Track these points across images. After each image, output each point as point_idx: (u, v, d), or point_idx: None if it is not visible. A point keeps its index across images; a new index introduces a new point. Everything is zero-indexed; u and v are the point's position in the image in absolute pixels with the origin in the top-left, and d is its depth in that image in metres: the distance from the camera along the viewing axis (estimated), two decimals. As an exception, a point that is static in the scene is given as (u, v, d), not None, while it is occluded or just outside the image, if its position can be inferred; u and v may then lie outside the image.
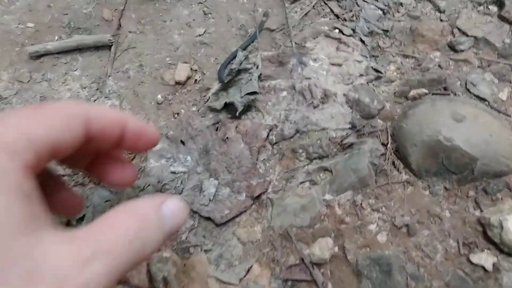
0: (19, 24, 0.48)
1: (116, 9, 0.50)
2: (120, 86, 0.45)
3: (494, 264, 0.32)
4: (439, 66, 0.45)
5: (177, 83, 0.44)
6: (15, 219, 0.14)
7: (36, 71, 0.46)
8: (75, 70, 0.46)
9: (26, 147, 0.15)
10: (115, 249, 0.14)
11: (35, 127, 0.16)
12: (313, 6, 0.50)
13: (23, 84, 0.45)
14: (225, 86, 0.41)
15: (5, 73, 0.46)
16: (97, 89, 0.45)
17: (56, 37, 0.48)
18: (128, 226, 0.15)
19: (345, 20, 0.48)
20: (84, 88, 0.45)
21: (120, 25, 0.48)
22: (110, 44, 0.46)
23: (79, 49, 0.47)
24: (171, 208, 0.18)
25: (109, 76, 0.46)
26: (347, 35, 0.46)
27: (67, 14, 0.49)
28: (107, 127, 0.18)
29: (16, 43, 0.47)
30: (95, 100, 0.44)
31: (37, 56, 0.46)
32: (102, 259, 0.14)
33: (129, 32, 0.48)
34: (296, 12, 0.50)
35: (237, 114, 0.39)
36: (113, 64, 0.47)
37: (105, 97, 0.44)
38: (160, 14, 0.50)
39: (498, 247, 0.33)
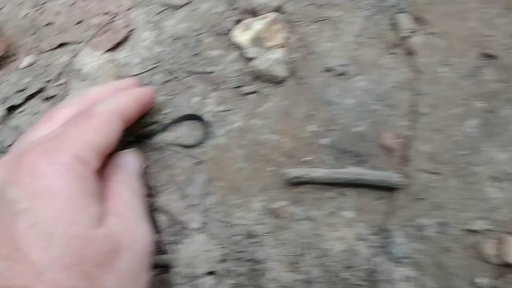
0: (271, 133, 0.59)
1: (399, 134, 0.59)
2: (415, 249, 0.52)
3: None
4: None
5: (506, 264, 0.50)
6: (93, 213, 0.37)
7: (296, 203, 0.56)
8: (346, 211, 0.55)
9: (93, 157, 0.39)
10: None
11: (93, 137, 0.39)
12: None
13: (280, 221, 0.55)
14: None
15: (257, 200, 0.56)
16: (381, 246, 0.53)
17: (316, 158, 0.57)
18: None
19: None
20: (362, 240, 0.53)
21: (407, 159, 0.58)
22: (397, 186, 0.55)
23: (351, 184, 0.56)
24: (131, 159, 0.50)
25: (395, 230, 0.54)
26: None
27: (332, 130, 0.60)
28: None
29: (269, 161, 0.58)
30: (381, 263, 0.51)
31: (297, 183, 0.56)
32: None
33: (420, 170, 0.56)
34: None
35: None
36: (397, 213, 0.55)
37: (394, 261, 0.52)
38: (464, 152, 0.58)
39: None
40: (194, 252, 0.51)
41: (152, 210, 0.53)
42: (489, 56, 0.59)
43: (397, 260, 0.51)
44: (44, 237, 0.32)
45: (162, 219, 0.54)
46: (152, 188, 0.55)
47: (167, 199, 0.54)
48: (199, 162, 0.55)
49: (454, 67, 0.61)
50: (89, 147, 0.38)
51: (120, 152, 0.47)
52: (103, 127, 0.40)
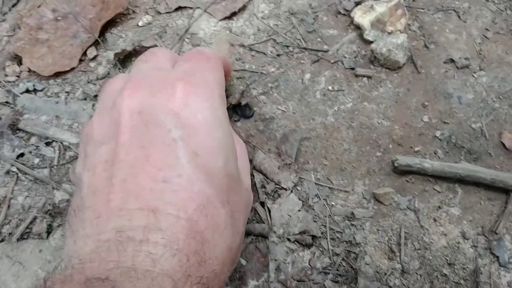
0: (383, 119, 0.62)
1: None
2: None
3: None
4: None
5: None
6: (236, 154, 0.43)
7: (401, 192, 0.58)
8: (453, 207, 0.58)
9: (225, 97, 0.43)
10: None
11: (221, 77, 0.44)
12: None
13: (382, 206, 0.58)
14: None
15: (361, 183, 0.59)
16: (486, 248, 0.55)
17: (426, 150, 0.59)
18: None
19: None
20: (467, 239, 0.55)
21: None
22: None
23: (461, 180, 0.57)
24: None
25: (505, 234, 0.55)
26: None
27: (448, 123, 0.62)
28: None
29: (378, 146, 0.61)
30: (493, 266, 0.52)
31: (404, 171, 0.59)
32: None
33: None
34: None
35: None
36: (509, 216, 0.56)
37: (500, 265, 0.54)
38: None
39: None
40: (289, 211, 0.56)
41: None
42: None
43: (504, 265, 0.53)
44: (206, 171, 0.35)
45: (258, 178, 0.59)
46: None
47: (262, 156, 0.59)
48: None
49: None
50: (222, 86, 0.42)
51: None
52: (220, 68, 0.44)
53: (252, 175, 0.57)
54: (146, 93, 0.37)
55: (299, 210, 0.55)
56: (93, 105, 0.62)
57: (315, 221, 0.55)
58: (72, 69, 0.65)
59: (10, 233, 0.54)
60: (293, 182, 0.55)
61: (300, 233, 0.55)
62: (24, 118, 0.63)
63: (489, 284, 0.50)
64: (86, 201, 0.34)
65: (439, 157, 0.57)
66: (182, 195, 0.33)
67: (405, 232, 0.54)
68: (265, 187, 0.54)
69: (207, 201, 0.34)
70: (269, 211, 0.55)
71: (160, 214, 0.31)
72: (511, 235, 0.53)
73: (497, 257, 0.52)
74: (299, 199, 0.55)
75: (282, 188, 0.56)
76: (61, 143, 0.60)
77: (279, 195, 0.57)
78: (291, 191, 0.56)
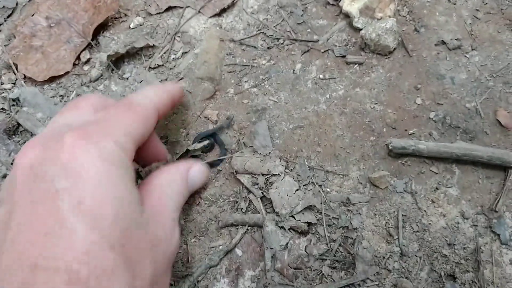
0: (375, 104, 0.60)
1: None
2: None
3: None
4: None
5: None
6: (136, 200, 0.39)
7: (397, 175, 0.56)
8: (450, 187, 0.55)
9: (132, 146, 0.40)
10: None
11: (133, 127, 0.41)
12: None
13: (378, 190, 0.55)
14: None
15: (355, 168, 0.57)
16: (487, 227, 0.52)
17: (421, 132, 0.57)
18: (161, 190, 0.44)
19: None
20: (466, 219, 0.52)
21: None
22: (511, 166, 0.53)
23: (458, 160, 0.54)
24: (196, 172, 0.50)
25: (505, 212, 0.52)
26: None
27: (441, 104, 0.59)
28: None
29: (371, 131, 0.58)
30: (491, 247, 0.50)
31: (399, 154, 0.56)
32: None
33: None
34: None
35: None
36: (508, 193, 0.53)
37: (502, 243, 0.51)
38: None
39: None
40: (288, 192, 0.54)
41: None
42: None
43: (506, 242, 0.50)
44: (91, 217, 0.32)
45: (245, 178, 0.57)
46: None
47: (240, 160, 0.57)
48: (298, 127, 0.57)
49: None
50: (129, 137, 0.39)
51: (188, 160, 0.50)
52: (142, 118, 0.42)
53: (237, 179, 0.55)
54: (39, 148, 0.36)
55: (297, 190, 0.54)
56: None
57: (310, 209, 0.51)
58: (66, 73, 0.64)
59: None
60: (282, 166, 0.52)
61: (305, 209, 0.54)
62: (21, 110, 0.63)
63: (491, 263, 0.48)
64: None
65: (434, 139, 0.55)
66: (62, 245, 0.31)
67: (402, 215, 0.51)
68: (257, 183, 0.52)
69: (90, 248, 0.31)
70: (270, 201, 0.54)
71: (39, 268, 0.30)
72: (511, 212, 0.50)
73: (498, 235, 0.50)
74: (294, 180, 0.51)
75: (274, 175, 0.53)
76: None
77: (272, 183, 0.54)
78: (284, 174, 0.53)
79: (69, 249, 0.31)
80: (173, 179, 0.46)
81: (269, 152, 0.55)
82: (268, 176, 0.53)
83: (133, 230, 0.36)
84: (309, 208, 0.53)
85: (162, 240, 0.40)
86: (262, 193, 0.51)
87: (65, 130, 0.37)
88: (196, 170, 0.49)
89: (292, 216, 0.52)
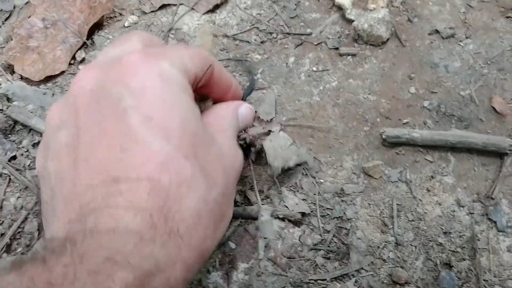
0: (369, 94, 0.59)
1: None
2: None
3: None
4: None
5: None
6: (199, 117, 0.40)
7: (391, 164, 0.54)
8: (446, 175, 0.53)
9: (189, 74, 0.40)
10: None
11: (192, 63, 0.41)
12: None
13: (372, 180, 0.54)
14: None
15: (349, 158, 0.55)
16: (483, 214, 0.50)
17: (415, 121, 0.56)
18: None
19: None
20: (462, 207, 0.51)
21: None
22: (507, 152, 0.51)
23: (453, 148, 0.53)
24: (245, 110, 0.51)
25: (501, 198, 0.51)
26: None
27: (435, 92, 0.58)
28: (220, 84, 0.48)
29: (365, 121, 0.57)
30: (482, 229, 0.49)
31: (393, 143, 0.55)
32: None
33: None
34: None
35: None
36: (504, 180, 0.52)
37: (498, 231, 0.49)
38: None
39: None
40: (281, 146, 0.53)
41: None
42: None
43: (503, 229, 0.49)
44: (162, 130, 0.34)
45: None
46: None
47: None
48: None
49: None
50: (186, 68, 0.39)
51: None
52: (198, 58, 0.42)
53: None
54: (97, 71, 0.37)
55: (291, 145, 0.54)
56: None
57: (304, 199, 0.50)
58: (62, 72, 0.64)
59: (2, 234, 0.54)
60: (281, 124, 0.56)
61: (296, 165, 0.54)
62: (12, 105, 0.63)
63: (488, 250, 0.47)
64: (55, 189, 0.34)
65: (429, 127, 0.54)
66: (140, 158, 0.33)
67: (397, 204, 0.50)
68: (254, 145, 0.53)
69: (166, 158, 0.33)
70: (265, 154, 0.54)
71: (121, 180, 0.32)
72: (508, 199, 0.49)
73: (495, 222, 0.49)
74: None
75: (270, 131, 0.54)
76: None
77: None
78: (279, 131, 0.55)
79: (148, 160, 0.32)
80: (227, 111, 0.48)
81: (272, 118, 0.57)
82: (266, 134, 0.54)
83: (202, 142, 0.38)
84: (300, 165, 0.54)
85: (228, 154, 0.42)
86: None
87: (121, 55, 0.38)
88: (244, 107, 0.51)
89: (285, 171, 0.53)
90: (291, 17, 0.64)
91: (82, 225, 0.29)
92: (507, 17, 0.61)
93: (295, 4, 0.65)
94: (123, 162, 0.32)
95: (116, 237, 0.29)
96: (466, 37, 0.60)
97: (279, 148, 0.53)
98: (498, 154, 0.52)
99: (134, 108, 0.34)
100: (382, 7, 0.62)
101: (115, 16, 0.69)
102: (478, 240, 0.48)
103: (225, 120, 0.46)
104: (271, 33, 0.63)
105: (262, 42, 0.63)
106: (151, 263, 0.29)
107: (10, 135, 0.59)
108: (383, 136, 0.53)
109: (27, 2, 0.71)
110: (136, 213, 0.30)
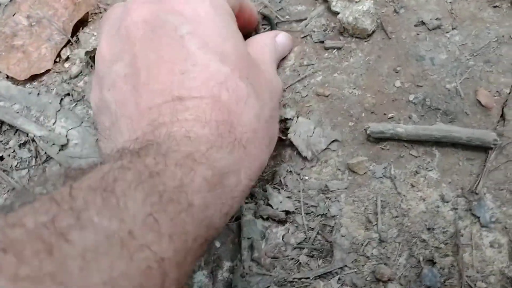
0: (354, 89, 0.58)
1: (498, 91, 0.55)
2: (507, 214, 0.48)
3: None
4: None
5: None
6: (245, 42, 0.45)
7: (375, 160, 0.54)
8: (430, 170, 0.53)
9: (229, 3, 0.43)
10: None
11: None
12: None
13: (357, 176, 0.53)
14: None
15: (334, 154, 0.55)
16: (467, 209, 0.50)
17: (401, 115, 0.55)
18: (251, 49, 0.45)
19: None
20: (446, 202, 0.51)
21: (504, 118, 0.54)
22: (491, 146, 0.51)
23: (438, 142, 0.53)
24: (282, 38, 0.57)
25: (486, 193, 0.50)
26: None
27: (421, 86, 0.57)
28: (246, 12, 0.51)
29: (350, 115, 0.57)
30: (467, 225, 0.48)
31: (378, 139, 0.54)
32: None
33: None
34: None
35: None
36: (489, 175, 0.51)
37: (482, 226, 0.49)
38: None
39: None
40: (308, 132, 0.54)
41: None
42: None
43: (486, 225, 0.48)
44: (219, 54, 0.38)
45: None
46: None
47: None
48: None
49: None
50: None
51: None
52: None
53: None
54: (147, 4, 0.40)
55: (315, 128, 0.57)
56: (61, 100, 0.60)
57: (288, 197, 0.50)
58: (47, 71, 0.63)
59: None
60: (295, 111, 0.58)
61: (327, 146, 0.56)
62: None
63: (471, 246, 0.46)
64: (118, 113, 0.38)
65: (414, 122, 0.53)
66: (200, 78, 0.37)
67: (381, 200, 0.50)
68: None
69: (225, 78, 0.38)
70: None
71: (185, 98, 0.36)
72: (492, 194, 0.49)
73: (478, 217, 0.48)
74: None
75: (287, 119, 0.57)
76: (33, 141, 0.60)
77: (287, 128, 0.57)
78: (297, 117, 0.57)
79: (208, 80, 0.37)
80: (267, 40, 0.52)
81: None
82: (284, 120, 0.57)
83: (252, 66, 0.42)
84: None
85: (273, 79, 0.47)
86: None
87: None
88: (282, 35, 0.56)
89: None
90: (277, 10, 0.63)
91: (158, 133, 0.33)
92: (495, 7, 0.59)
93: (280, -3, 0.63)
94: (184, 83, 0.37)
95: (190, 142, 0.33)
96: (453, 28, 0.58)
97: (306, 136, 0.55)
98: (483, 148, 0.51)
99: (191, 34, 0.38)
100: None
101: (100, 12, 0.68)
102: (461, 236, 0.47)
103: (266, 48, 0.50)
104: (256, 27, 0.62)
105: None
106: (224, 164, 0.34)
107: (-4, 136, 0.58)
108: (368, 132, 0.53)
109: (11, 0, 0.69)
110: (204, 124, 0.35)
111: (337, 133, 0.56)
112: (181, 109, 0.35)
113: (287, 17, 0.64)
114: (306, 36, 0.61)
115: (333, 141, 0.55)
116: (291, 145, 0.55)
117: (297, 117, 0.56)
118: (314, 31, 0.61)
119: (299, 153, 0.55)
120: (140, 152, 0.30)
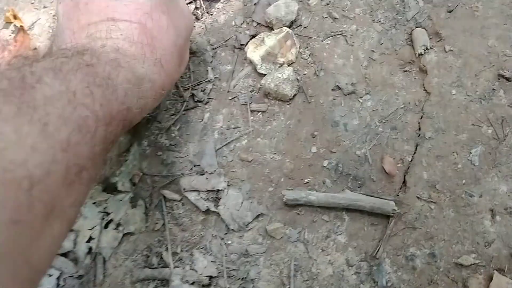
0: (274, 154, 0.63)
1: (401, 159, 0.61)
2: (402, 279, 0.55)
3: None
4: None
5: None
6: None
7: (291, 225, 0.60)
8: (340, 234, 0.59)
9: None
10: None
11: None
12: None
13: (274, 241, 0.60)
14: None
15: (255, 221, 0.61)
16: (368, 274, 0.57)
17: (316, 180, 0.60)
18: None
19: None
20: (351, 266, 0.57)
21: (406, 184, 0.60)
22: (391, 214, 0.57)
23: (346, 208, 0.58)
24: None
25: (385, 258, 0.57)
26: None
27: (335, 152, 0.62)
28: None
29: (270, 181, 0.62)
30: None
31: (293, 205, 0.61)
32: None
33: (417, 198, 0.58)
34: None
35: None
36: (388, 240, 0.58)
37: None
38: (464, 182, 0.60)
39: None
40: (236, 206, 0.58)
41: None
42: (506, 78, 0.60)
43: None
44: None
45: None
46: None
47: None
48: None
49: (467, 89, 0.63)
50: None
51: None
52: None
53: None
54: None
55: (243, 202, 0.62)
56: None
57: (213, 261, 0.55)
58: None
59: None
60: (225, 182, 0.63)
61: (253, 220, 0.62)
62: None
63: (369, 309, 0.52)
64: (63, 25, 0.45)
65: (327, 187, 0.58)
66: (131, 6, 0.45)
67: (294, 264, 0.56)
68: (202, 198, 0.59)
69: (150, 9, 0.46)
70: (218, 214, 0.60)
71: (117, 21, 0.44)
72: (390, 258, 0.54)
73: (376, 282, 0.53)
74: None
75: (218, 190, 0.61)
76: None
77: (219, 198, 0.62)
78: (227, 190, 0.62)
79: (136, 9, 0.46)
80: None
81: (214, 170, 0.64)
82: (213, 191, 0.62)
83: (172, 3, 0.50)
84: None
85: (187, 15, 0.55)
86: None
87: None
88: None
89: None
90: (207, 70, 0.66)
91: (94, 44, 0.42)
92: (405, 71, 0.63)
93: (212, 56, 0.68)
94: (117, 8, 0.44)
95: (119, 53, 0.42)
96: (366, 93, 0.63)
97: (234, 209, 0.60)
98: (386, 216, 0.56)
99: None
100: (292, 61, 0.65)
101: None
102: (362, 299, 0.53)
103: None
104: (186, 88, 0.65)
105: (180, 96, 0.65)
106: (142, 72, 0.44)
107: None
108: (283, 199, 0.57)
109: None
110: (132, 44, 0.44)
111: (263, 207, 0.61)
112: (114, 28, 0.43)
113: (217, 76, 0.69)
114: (234, 98, 0.65)
115: (258, 215, 0.60)
116: (219, 214, 0.60)
117: (228, 188, 0.62)
118: (241, 93, 0.65)
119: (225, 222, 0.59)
120: (79, 51, 0.39)
